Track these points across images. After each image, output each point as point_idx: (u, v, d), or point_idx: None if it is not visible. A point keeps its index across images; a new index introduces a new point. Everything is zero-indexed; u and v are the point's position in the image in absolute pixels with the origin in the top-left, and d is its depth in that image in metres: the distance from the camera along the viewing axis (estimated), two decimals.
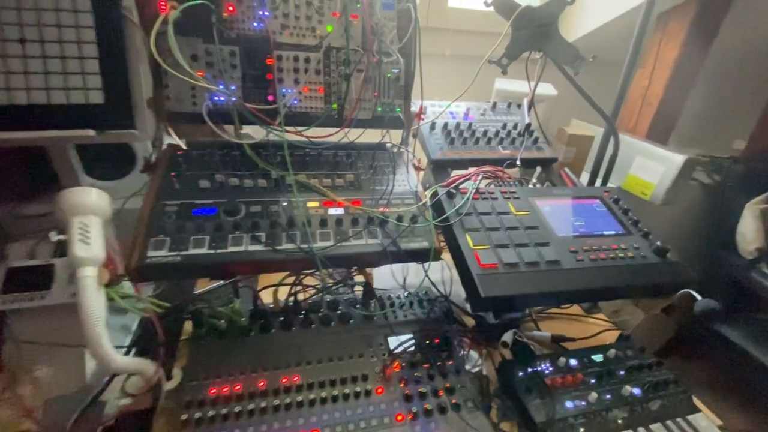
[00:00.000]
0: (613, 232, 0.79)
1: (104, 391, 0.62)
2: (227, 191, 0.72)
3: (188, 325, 0.75)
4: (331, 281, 0.86)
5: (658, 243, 0.76)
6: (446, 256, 0.76)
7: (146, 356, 0.60)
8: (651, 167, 1.25)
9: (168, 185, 0.70)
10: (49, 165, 0.96)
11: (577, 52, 0.88)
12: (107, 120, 0.67)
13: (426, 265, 0.77)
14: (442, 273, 0.83)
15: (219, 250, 0.63)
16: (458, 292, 0.92)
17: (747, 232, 1.36)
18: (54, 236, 0.73)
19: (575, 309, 0.96)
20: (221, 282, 0.83)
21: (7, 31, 0.61)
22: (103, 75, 0.66)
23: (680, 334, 1.55)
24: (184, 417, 0.57)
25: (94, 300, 0.49)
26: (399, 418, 0.62)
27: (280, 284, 0.75)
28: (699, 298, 0.66)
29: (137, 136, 0.68)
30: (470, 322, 0.87)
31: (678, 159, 1.17)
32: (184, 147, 0.78)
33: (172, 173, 0.72)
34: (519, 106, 1.12)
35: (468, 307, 0.89)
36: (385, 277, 0.91)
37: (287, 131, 0.76)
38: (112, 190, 0.63)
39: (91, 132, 0.65)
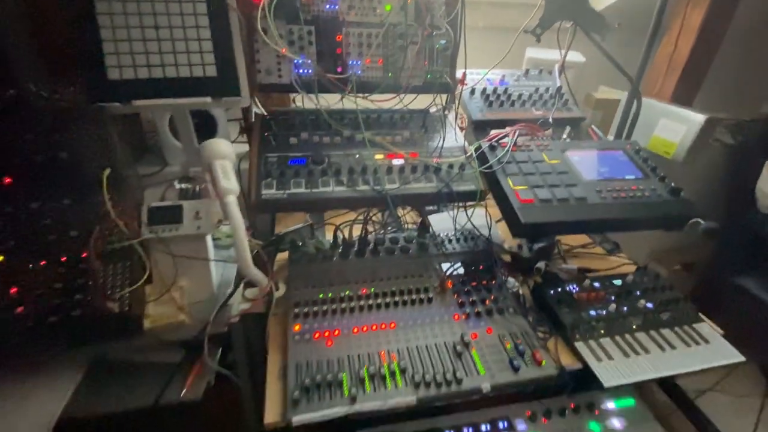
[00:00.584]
0: (633, 177, 0.92)
1: (232, 296, 0.82)
2: (312, 146, 0.89)
3: (281, 256, 0.94)
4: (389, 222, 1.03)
5: (672, 184, 0.89)
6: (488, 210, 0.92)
7: None
8: (674, 127, 1.35)
9: (266, 142, 0.88)
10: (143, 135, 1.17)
11: (603, 20, 1.00)
12: (219, 89, 0.84)
13: (470, 212, 0.94)
14: (486, 219, 0.98)
15: (313, 190, 0.81)
16: (496, 236, 1.08)
17: (766, 187, 1.44)
18: (177, 184, 0.93)
19: (598, 250, 1.11)
20: (300, 224, 1.02)
21: (145, 20, 0.79)
22: (216, 53, 0.83)
23: (701, 290, 1.66)
24: (295, 311, 0.76)
25: (239, 216, 0.67)
26: (455, 317, 0.79)
27: (354, 221, 0.93)
28: (703, 223, 0.79)
29: (242, 101, 0.86)
30: (507, 258, 1.03)
31: (699, 118, 1.26)
32: (266, 114, 0.96)
33: (266, 133, 0.90)
34: (550, 72, 1.24)
35: (505, 244, 1.04)
36: (436, 223, 1.07)
37: (352, 98, 0.92)
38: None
39: (208, 99, 0.83)
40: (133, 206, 0.81)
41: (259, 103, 1.01)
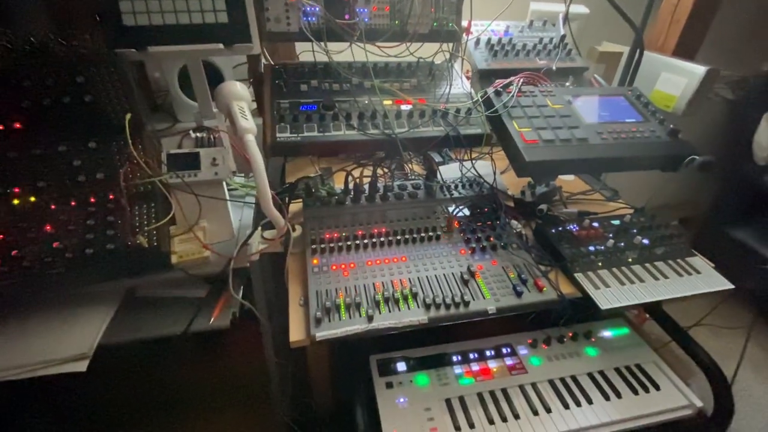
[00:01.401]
0: (633, 120, 0.95)
1: (251, 236, 0.86)
2: (322, 93, 0.92)
3: (294, 206, 0.98)
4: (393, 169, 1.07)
5: (671, 126, 0.93)
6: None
7: None
8: (675, 80, 1.36)
9: (278, 89, 0.90)
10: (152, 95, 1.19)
11: None
12: (231, 36, 0.86)
13: (473, 162, 0.97)
14: (492, 166, 1.02)
15: (325, 134, 0.84)
16: (500, 184, 1.12)
17: (762, 140, 1.48)
18: (193, 134, 0.96)
19: (598, 196, 1.15)
20: (313, 174, 1.06)
21: None
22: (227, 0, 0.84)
23: (698, 243, 1.72)
24: (313, 247, 0.81)
25: (259, 154, 0.71)
26: (462, 251, 0.84)
27: (363, 166, 0.96)
28: (698, 158, 0.82)
29: (252, 48, 0.88)
30: (510, 203, 1.07)
31: (700, 70, 1.27)
32: (274, 64, 0.97)
33: (277, 81, 0.92)
34: (554, 24, 1.24)
35: (509, 191, 1.09)
36: (443, 172, 1.11)
37: (361, 45, 0.94)
38: None
39: (220, 45, 0.85)
40: (153, 152, 0.85)
41: (266, 54, 1.03)
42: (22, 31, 0.79)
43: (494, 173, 1.04)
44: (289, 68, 0.97)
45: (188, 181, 0.87)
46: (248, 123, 0.73)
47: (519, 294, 0.76)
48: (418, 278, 0.77)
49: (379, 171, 1.02)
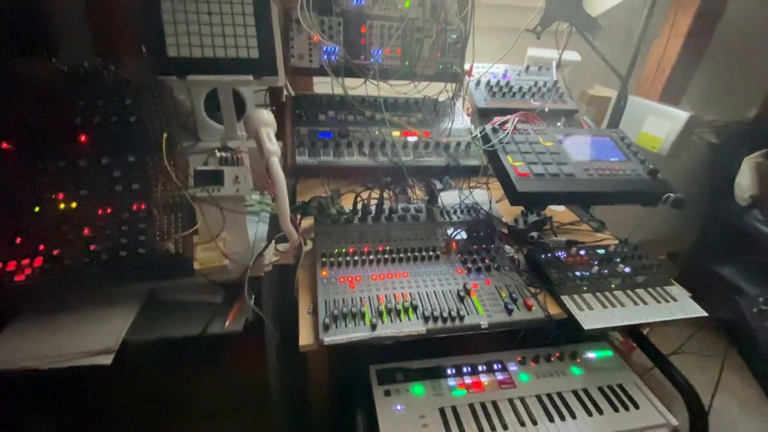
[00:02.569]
0: (617, 159, 1.05)
1: (266, 249, 0.94)
2: (337, 123, 1.03)
3: (305, 222, 1.07)
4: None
5: (651, 166, 1.03)
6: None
7: None
8: (660, 124, 1.47)
9: (298, 118, 1.01)
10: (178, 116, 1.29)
11: (595, 22, 1.13)
12: (260, 69, 0.97)
13: (471, 191, 1.07)
14: (489, 195, 1.11)
15: (340, 159, 0.94)
16: (495, 211, 1.21)
17: (743, 181, 1.59)
18: (218, 153, 1.05)
19: (586, 227, 1.24)
20: (323, 195, 1.15)
21: (200, 7, 0.92)
22: (258, 37, 0.96)
23: (683, 276, 1.80)
24: (323, 260, 0.89)
25: (282, 175, 0.80)
26: (459, 271, 0.92)
27: (371, 188, 1.05)
28: (672, 195, 0.92)
29: (278, 80, 0.99)
30: (504, 230, 1.16)
31: (683, 115, 1.39)
32: (294, 95, 1.09)
33: (297, 111, 1.03)
34: (548, 69, 1.37)
35: (503, 219, 1.18)
36: (443, 199, 1.20)
37: (374, 82, 1.05)
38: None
39: (250, 77, 0.96)
40: (183, 168, 0.94)
41: (289, 86, 1.14)
42: (75, 55, 0.90)
43: (490, 201, 1.13)
44: (309, 99, 1.08)
45: (213, 195, 0.96)
46: (273, 146, 0.83)
47: (510, 312, 0.83)
48: (418, 293, 0.85)
49: (385, 194, 1.11)
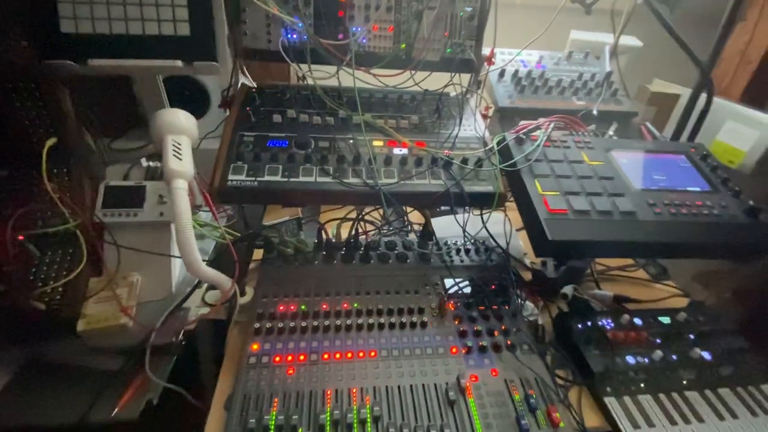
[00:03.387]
0: (698, 189, 0.73)
1: (188, 298, 0.69)
2: (298, 127, 0.75)
3: (257, 253, 0.81)
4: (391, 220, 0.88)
5: (751, 202, 0.69)
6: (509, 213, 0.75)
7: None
8: (743, 132, 1.12)
9: (245, 118, 0.74)
10: (138, 107, 1.04)
11: None
12: (192, 52, 0.71)
13: (485, 216, 0.77)
14: (504, 226, 0.81)
15: (291, 179, 0.66)
16: (516, 246, 0.91)
17: None
18: (144, 162, 0.80)
19: (641, 273, 0.91)
20: (288, 217, 0.88)
21: None
22: (190, 8, 0.69)
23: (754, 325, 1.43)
24: (256, 326, 0.63)
25: (186, 207, 0.54)
26: (453, 350, 0.63)
27: (343, 219, 0.78)
28: None
29: (218, 67, 0.72)
30: (527, 276, 0.86)
31: None
32: (255, 86, 0.82)
33: (248, 108, 0.76)
34: (598, 57, 1.04)
35: (525, 260, 0.87)
36: (444, 226, 0.91)
37: (348, 71, 0.76)
38: None
39: (179, 63, 0.70)
40: (83, 184, 0.70)
41: (247, 74, 0.87)
42: None
43: (508, 234, 0.83)
44: (267, 92, 0.80)
45: (125, 222, 0.71)
46: (180, 165, 0.56)
47: (524, 431, 0.54)
48: (387, 389, 0.57)
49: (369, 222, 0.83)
